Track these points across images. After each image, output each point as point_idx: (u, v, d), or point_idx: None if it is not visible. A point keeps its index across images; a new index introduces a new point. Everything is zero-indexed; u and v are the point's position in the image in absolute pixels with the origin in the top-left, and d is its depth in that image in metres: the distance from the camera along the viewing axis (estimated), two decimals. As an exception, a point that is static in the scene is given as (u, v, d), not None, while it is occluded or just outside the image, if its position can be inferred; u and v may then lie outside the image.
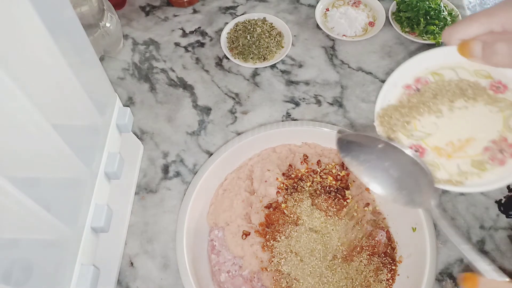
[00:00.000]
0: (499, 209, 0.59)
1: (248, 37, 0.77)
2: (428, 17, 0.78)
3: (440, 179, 0.39)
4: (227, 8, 0.86)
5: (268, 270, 0.56)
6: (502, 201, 0.59)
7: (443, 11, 0.79)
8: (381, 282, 0.55)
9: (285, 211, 0.59)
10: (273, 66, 0.77)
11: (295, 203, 0.59)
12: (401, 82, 0.41)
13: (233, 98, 0.74)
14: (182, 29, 0.83)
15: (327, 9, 0.83)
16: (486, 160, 0.37)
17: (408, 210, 0.58)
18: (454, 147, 0.39)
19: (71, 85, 0.42)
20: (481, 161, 0.38)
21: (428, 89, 0.39)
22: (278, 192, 0.61)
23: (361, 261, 0.56)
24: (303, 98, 0.73)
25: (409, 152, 0.40)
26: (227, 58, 0.78)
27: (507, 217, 0.58)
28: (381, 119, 0.41)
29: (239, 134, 0.68)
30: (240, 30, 0.79)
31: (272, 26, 0.81)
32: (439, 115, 0.39)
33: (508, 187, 0.55)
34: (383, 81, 0.73)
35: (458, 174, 0.38)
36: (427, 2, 0.78)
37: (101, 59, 0.78)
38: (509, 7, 0.31)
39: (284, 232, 0.57)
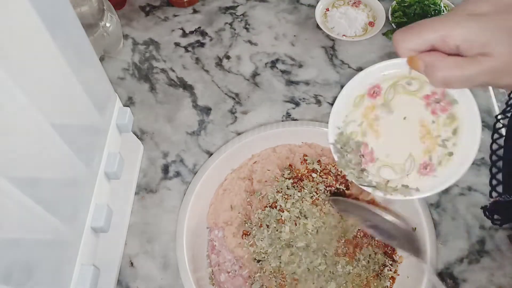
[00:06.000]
0: (484, 215, 0.57)
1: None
2: (428, 17, 0.78)
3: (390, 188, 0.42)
4: (227, 8, 0.86)
5: (268, 270, 0.56)
6: (487, 207, 0.57)
7: (443, 11, 0.79)
8: (381, 282, 0.55)
9: (285, 211, 0.59)
10: (273, 66, 0.77)
11: (295, 203, 0.59)
12: (354, 94, 0.42)
13: (233, 98, 0.73)
14: (182, 29, 0.83)
15: (327, 9, 0.83)
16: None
17: (408, 210, 0.58)
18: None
19: (71, 85, 0.42)
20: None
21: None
22: (278, 192, 0.61)
23: (361, 261, 0.56)
24: (303, 98, 0.73)
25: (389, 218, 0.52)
26: (227, 58, 0.78)
27: (492, 223, 0.56)
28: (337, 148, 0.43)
29: (239, 134, 0.68)
30: None
31: None
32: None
33: (490, 193, 0.55)
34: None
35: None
36: (426, 2, 0.78)
37: (101, 59, 0.78)
38: (450, 22, 0.33)
39: (284, 232, 0.57)
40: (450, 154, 0.39)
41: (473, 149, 0.37)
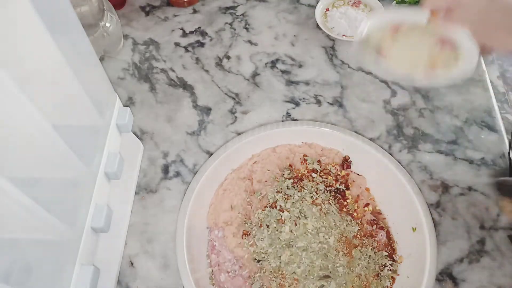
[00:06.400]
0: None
1: None
2: (428, 17, 0.78)
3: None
4: (227, 8, 0.86)
5: (268, 270, 0.56)
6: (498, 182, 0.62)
7: (443, 11, 0.79)
8: (381, 282, 0.55)
9: (285, 211, 0.59)
10: (273, 66, 0.77)
11: (295, 203, 0.59)
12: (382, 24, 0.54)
13: (233, 98, 0.73)
14: (182, 29, 0.83)
15: (327, 9, 0.83)
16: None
17: (408, 210, 0.58)
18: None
19: (71, 85, 0.42)
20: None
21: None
22: (278, 192, 0.61)
23: (361, 261, 0.56)
24: (303, 98, 0.73)
25: None
26: (227, 58, 0.78)
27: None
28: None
29: (239, 134, 0.68)
30: None
31: None
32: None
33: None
34: (383, 81, 0.74)
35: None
36: (427, 2, 0.78)
37: (101, 59, 0.78)
38: None
39: (284, 232, 0.57)
40: (452, 66, 0.50)
41: (471, 65, 0.48)
